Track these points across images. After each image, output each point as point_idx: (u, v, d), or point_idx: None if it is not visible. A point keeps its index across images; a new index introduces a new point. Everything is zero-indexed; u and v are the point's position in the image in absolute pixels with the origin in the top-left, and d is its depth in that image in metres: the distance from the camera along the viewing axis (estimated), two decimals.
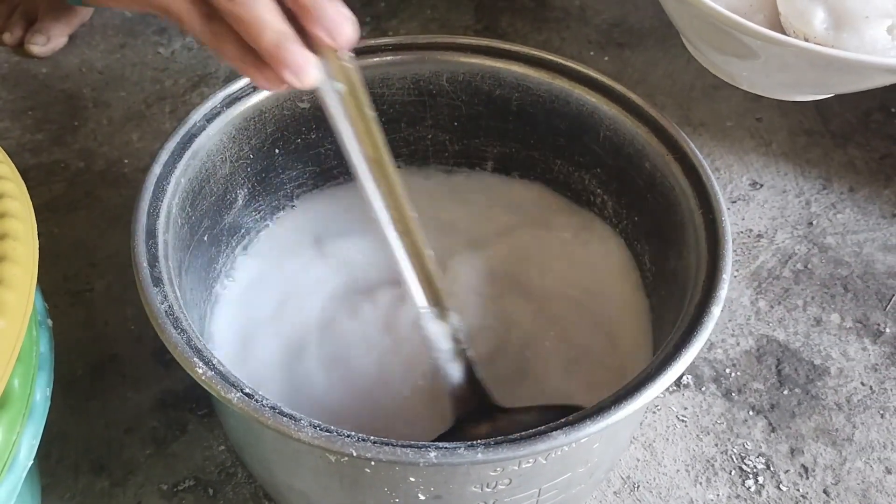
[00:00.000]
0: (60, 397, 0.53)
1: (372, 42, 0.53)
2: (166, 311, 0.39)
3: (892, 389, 0.57)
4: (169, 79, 0.77)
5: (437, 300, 0.44)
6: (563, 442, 0.35)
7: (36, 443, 0.39)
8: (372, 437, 0.35)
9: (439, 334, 0.44)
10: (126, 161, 0.70)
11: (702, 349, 0.58)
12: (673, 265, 0.48)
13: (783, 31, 0.47)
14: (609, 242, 0.55)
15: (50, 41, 0.78)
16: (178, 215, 0.45)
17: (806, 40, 0.40)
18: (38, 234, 0.64)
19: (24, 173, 0.68)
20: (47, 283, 0.61)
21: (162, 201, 0.44)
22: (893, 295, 0.62)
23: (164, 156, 0.46)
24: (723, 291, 0.41)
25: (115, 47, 0.80)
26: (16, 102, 0.74)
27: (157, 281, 0.41)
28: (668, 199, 0.48)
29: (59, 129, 0.72)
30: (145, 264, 0.41)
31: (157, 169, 0.45)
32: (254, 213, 0.55)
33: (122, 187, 0.68)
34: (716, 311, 0.40)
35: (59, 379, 0.48)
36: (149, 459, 0.53)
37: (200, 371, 0.37)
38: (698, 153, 0.47)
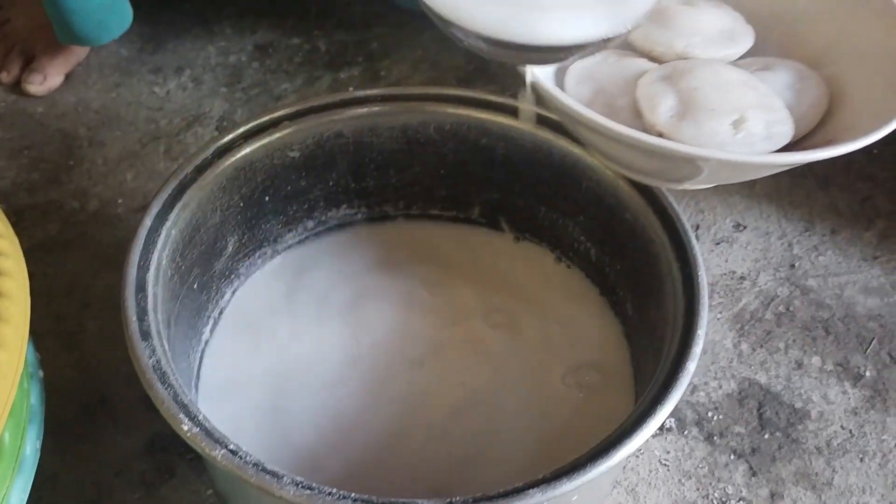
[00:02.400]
0: (51, 440, 0.54)
1: (360, 93, 0.55)
2: (154, 366, 0.40)
3: (871, 433, 0.58)
4: (164, 118, 0.78)
5: None
6: (539, 500, 0.36)
7: (25, 496, 0.40)
8: (353, 495, 0.36)
9: None
10: (120, 201, 0.71)
11: (685, 392, 0.60)
12: (653, 315, 0.49)
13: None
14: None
15: (46, 80, 0.79)
16: (167, 266, 0.47)
17: (654, 128, 0.39)
18: (32, 275, 0.65)
19: (19, 213, 0.70)
20: (40, 324, 0.61)
21: (152, 254, 0.45)
22: (873, 338, 0.63)
23: (154, 208, 0.47)
24: (698, 347, 0.42)
25: (110, 86, 0.81)
26: (12, 141, 0.76)
27: (146, 335, 0.42)
28: (647, 250, 0.49)
29: (55, 169, 0.74)
30: (134, 318, 0.42)
31: (147, 221, 0.46)
32: (244, 260, 0.56)
33: (116, 228, 0.69)
34: (691, 366, 0.41)
35: (50, 422, 0.49)
36: (138, 503, 0.53)
37: (186, 427, 0.38)
38: (676, 207, 0.48)
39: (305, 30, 0.87)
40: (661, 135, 0.38)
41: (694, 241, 0.47)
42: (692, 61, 0.43)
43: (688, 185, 0.44)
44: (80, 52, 0.81)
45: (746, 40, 0.42)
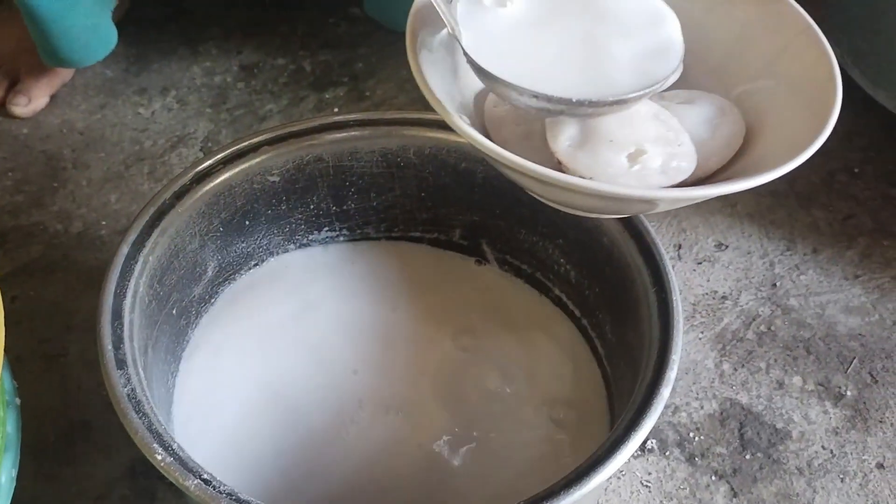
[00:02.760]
0: (32, 464, 0.54)
1: (340, 118, 0.55)
2: (128, 395, 0.40)
3: (851, 453, 0.58)
4: (148, 139, 0.78)
5: None
6: None
7: None
8: None
9: None
10: (104, 223, 0.71)
11: (667, 412, 0.60)
12: (630, 338, 0.49)
13: None
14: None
15: (31, 102, 0.79)
16: (145, 293, 0.47)
17: (554, 156, 0.39)
18: (15, 298, 0.65)
19: (3, 236, 0.71)
20: (22, 347, 0.62)
21: (129, 280, 0.46)
22: (854, 357, 0.64)
23: (131, 235, 0.47)
24: (672, 373, 0.42)
25: (95, 107, 0.81)
26: None
27: (122, 363, 0.42)
28: (624, 274, 0.49)
29: (39, 191, 0.74)
30: (110, 346, 0.42)
31: (124, 249, 0.46)
32: (224, 284, 0.56)
33: (99, 250, 0.69)
34: (665, 392, 0.41)
35: (31, 446, 0.49)
36: None
37: (159, 457, 0.38)
38: (652, 232, 0.48)
39: (291, 50, 0.87)
40: (559, 163, 0.38)
41: (669, 266, 0.47)
42: None
43: (597, 215, 0.44)
44: (64, 74, 0.81)
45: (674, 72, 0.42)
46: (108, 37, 0.75)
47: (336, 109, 0.81)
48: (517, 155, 0.36)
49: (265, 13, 0.92)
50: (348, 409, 0.52)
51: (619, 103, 0.37)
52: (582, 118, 0.38)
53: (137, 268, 0.46)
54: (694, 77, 0.42)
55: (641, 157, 0.37)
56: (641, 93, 0.37)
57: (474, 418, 0.53)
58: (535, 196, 0.42)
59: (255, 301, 0.57)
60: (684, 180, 0.38)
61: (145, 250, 0.47)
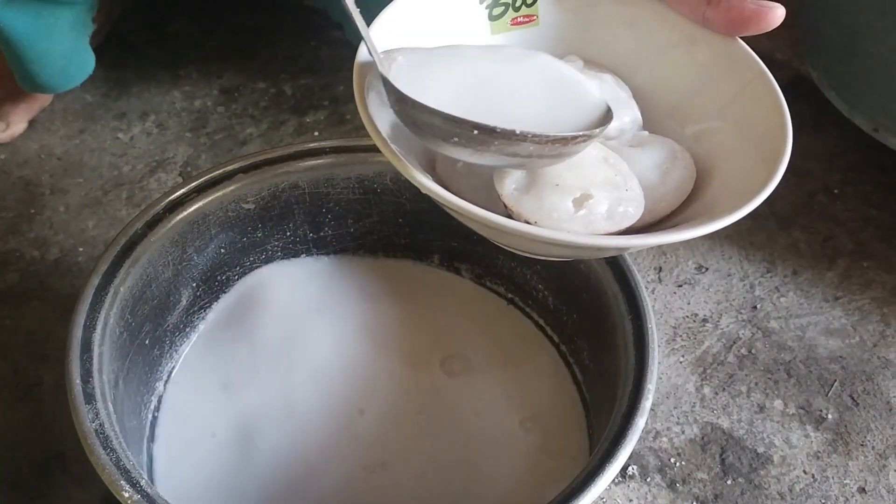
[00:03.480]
0: (6, 496, 0.53)
1: (315, 145, 0.55)
2: (96, 430, 0.40)
3: (833, 477, 0.58)
4: (127, 164, 0.78)
5: None
6: None
7: None
8: None
9: None
10: (81, 249, 0.71)
11: (648, 438, 0.60)
12: (607, 365, 0.49)
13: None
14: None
15: (9, 127, 0.79)
16: (115, 325, 0.46)
17: (500, 199, 0.38)
18: None
19: None
20: None
21: (99, 312, 0.45)
22: (835, 380, 0.63)
23: (102, 266, 0.46)
24: (647, 402, 0.42)
25: (74, 132, 0.81)
26: None
27: (90, 397, 0.41)
28: (600, 301, 0.49)
29: (16, 217, 0.73)
30: (78, 381, 0.42)
31: (94, 280, 0.46)
32: (200, 312, 0.56)
33: (76, 277, 0.68)
34: (640, 422, 0.41)
35: (5, 477, 0.49)
36: None
37: (126, 494, 0.37)
38: (628, 258, 0.48)
39: (272, 74, 0.87)
40: (506, 207, 0.37)
41: (645, 293, 0.47)
42: None
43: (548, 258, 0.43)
44: (43, 99, 0.81)
45: (627, 114, 0.41)
46: (85, 62, 0.74)
47: (316, 133, 0.81)
48: (466, 200, 0.35)
49: (246, 37, 0.92)
50: (331, 436, 0.51)
51: (548, 141, 0.35)
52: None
53: (108, 299, 0.46)
54: (650, 120, 0.42)
55: (588, 201, 0.36)
56: (573, 134, 0.35)
57: (457, 443, 0.52)
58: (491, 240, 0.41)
59: (233, 330, 0.57)
60: (632, 225, 0.37)
61: (116, 281, 0.46)
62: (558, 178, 0.37)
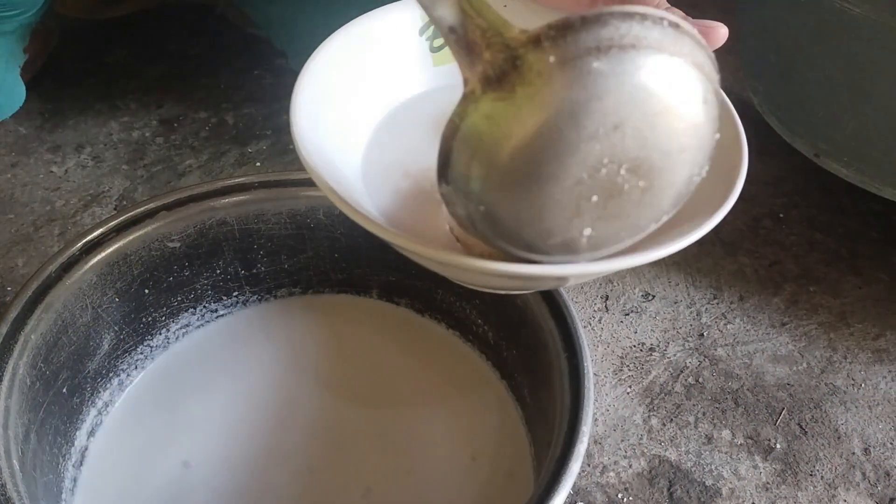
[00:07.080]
0: None
1: (243, 179, 0.53)
2: None
3: None
4: (60, 199, 0.75)
5: None
6: None
7: None
8: None
9: None
10: (9, 288, 0.68)
11: (595, 473, 0.58)
12: (545, 403, 0.48)
13: None
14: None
15: None
16: (26, 374, 0.44)
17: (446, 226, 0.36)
18: None
19: None
20: None
21: (7, 362, 0.43)
22: (783, 408, 0.63)
23: (12, 313, 0.44)
24: (582, 446, 0.40)
25: (6, 167, 0.78)
26: None
27: None
28: (537, 337, 0.48)
29: None
30: None
31: (3, 329, 0.43)
32: (124, 356, 0.53)
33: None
34: (574, 467, 0.40)
35: None
36: None
37: None
38: (565, 295, 0.47)
39: (213, 103, 0.85)
40: (457, 239, 0.36)
41: (581, 330, 0.45)
42: None
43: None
44: None
45: None
46: (14, 94, 0.72)
47: (258, 164, 0.79)
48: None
49: (187, 66, 0.90)
50: (272, 486, 0.49)
51: None
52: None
53: (17, 348, 0.43)
54: None
55: None
56: None
57: (404, 475, 0.50)
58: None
59: (160, 374, 0.54)
60: None
61: (27, 329, 0.44)
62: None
